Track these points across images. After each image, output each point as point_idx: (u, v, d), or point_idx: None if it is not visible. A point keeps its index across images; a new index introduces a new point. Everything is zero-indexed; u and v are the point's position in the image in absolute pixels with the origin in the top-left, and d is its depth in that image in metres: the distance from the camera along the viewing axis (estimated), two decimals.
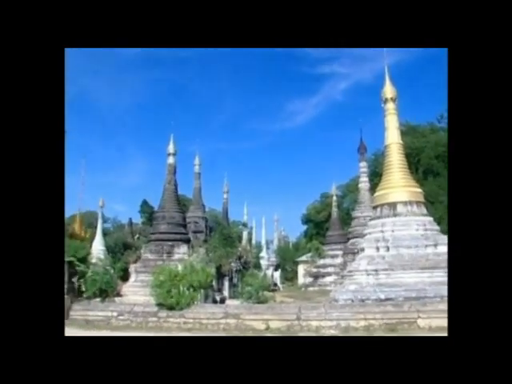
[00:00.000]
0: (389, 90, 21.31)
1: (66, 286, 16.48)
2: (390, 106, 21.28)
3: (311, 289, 37.86)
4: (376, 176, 38.46)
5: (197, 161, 41.57)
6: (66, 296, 16.32)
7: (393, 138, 21.07)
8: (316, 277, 40.37)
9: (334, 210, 44.15)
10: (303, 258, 50.72)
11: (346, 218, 46.09)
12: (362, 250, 20.49)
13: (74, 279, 17.46)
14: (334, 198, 45.09)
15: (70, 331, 14.33)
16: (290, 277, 56.51)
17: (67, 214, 62.81)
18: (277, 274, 53.09)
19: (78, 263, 18.68)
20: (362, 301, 16.98)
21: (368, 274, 18.76)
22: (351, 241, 35.83)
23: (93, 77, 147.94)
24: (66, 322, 15.86)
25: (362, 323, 13.30)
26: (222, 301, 24.31)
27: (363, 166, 38.46)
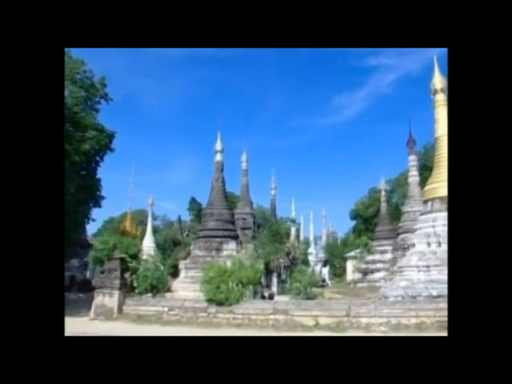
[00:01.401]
0: (438, 81, 20.66)
1: (118, 282, 16.94)
2: (440, 98, 20.64)
3: (360, 285, 37.45)
4: (426, 170, 37.53)
5: (244, 157, 41.68)
6: (118, 291, 16.78)
7: (443, 130, 20.41)
8: (365, 273, 39.88)
9: (383, 205, 43.43)
10: (352, 253, 50.29)
11: (395, 213, 45.19)
12: (413, 245, 20.02)
13: (127, 275, 17.86)
14: (383, 192, 44.31)
15: (122, 325, 14.78)
16: (338, 273, 56.13)
17: (118, 212, 64.39)
18: (325, 270, 52.79)
19: (129, 260, 19.12)
20: (413, 297, 16.59)
21: (419, 270, 18.33)
22: (401, 236, 35.17)
23: (141, 78, 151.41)
24: (119, 316, 16.32)
25: (414, 321, 13.00)
26: (271, 297, 24.32)
27: (412, 160, 37.56)
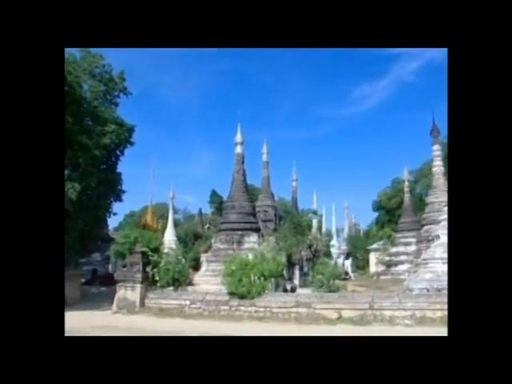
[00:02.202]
0: None
1: (140, 276, 17.10)
2: None
3: (383, 277, 37.19)
4: None
5: (265, 149, 41.51)
6: (140, 285, 16.94)
7: None
8: (388, 265, 39.58)
9: (407, 196, 42.96)
10: (375, 246, 49.94)
11: (419, 204, 44.61)
12: (438, 237, 19.79)
13: (148, 269, 18.01)
14: (406, 183, 43.79)
15: (144, 319, 14.94)
16: (361, 265, 55.81)
17: (139, 206, 65.02)
18: (348, 263, 52.57)
19: (151, 253, 19.30)
20: (439, 290, 16.40)
21: (444, 263, 18.09)
22: (425, 228, 34.73)
23: (159, 71, 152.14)
24: (141, 309, 16.48)
25: (439, 314, 12.85)
26: (293, 290, 24.32)
27: (437, 150, 36.86)
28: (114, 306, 17.20)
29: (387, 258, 40.65)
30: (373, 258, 49.50)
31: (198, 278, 26.13)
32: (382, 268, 41.12)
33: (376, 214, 68.18)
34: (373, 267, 47.90)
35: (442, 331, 7.42)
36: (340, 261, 48.59)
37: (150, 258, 18.87)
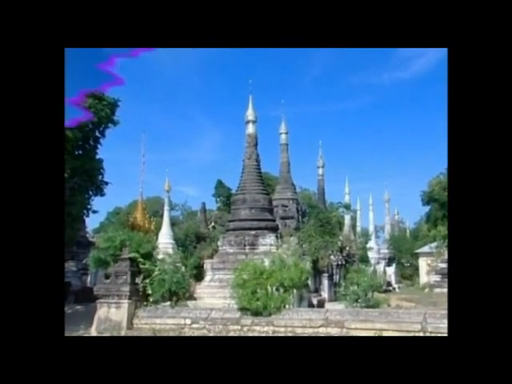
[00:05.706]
0: None
1: (128, 289, 17.11)
2: None
3: (438, 290, 36.99)
4: None
5: (283, 128, 41.49)
6: (128, 301, 16.95)
7: None
8: (444, 274, 39.32)
9: None
10: (426, 249, 49.79)
11: None
12: None
13: (138, 279, 18.00)
14: None
15: None
16: (408, 274, 55.79)
17: (127, 200, 65.61)
18: (390, 271, 52.56)
19: (141, 260, 19.25)
20: None
21: None
22: None
23: None
24: (129, 332, 16.49)
25: None
26: (321, 304, 24.32)
27: None
28: (94, 329, 17.21)
29: (443, 265, 40.39)
30: (423, 264, 49.41)
31: (200, 290, 26.26)
32: (435, 278, 40.97)
33: (427, 209, 67.81)
34: (424, 277, 47.83)
35: None
36: (380, 268, 48.63)
37: (141, 266, 18.86)
